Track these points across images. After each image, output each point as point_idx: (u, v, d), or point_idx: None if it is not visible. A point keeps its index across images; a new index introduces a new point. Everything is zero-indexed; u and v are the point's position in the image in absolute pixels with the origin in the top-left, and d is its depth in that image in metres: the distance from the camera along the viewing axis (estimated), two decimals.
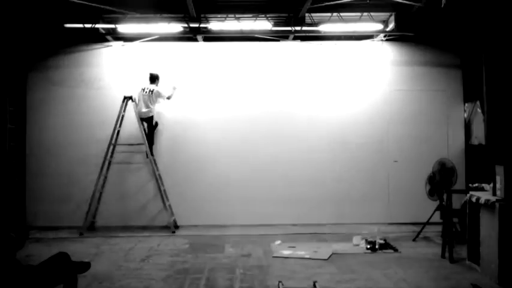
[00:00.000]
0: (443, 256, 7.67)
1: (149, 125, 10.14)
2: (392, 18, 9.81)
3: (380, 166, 10.55)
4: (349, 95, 10.64)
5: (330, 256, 7.80)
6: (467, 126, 10.59)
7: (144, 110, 9.99)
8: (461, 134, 10.66)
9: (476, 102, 10.11)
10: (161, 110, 10.43)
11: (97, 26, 9.61)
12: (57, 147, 10.38)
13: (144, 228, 10.14)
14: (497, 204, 6.41)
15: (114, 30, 9.85)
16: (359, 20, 9.88)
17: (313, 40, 10.68)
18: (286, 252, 8.05)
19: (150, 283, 6.55)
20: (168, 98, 10.14)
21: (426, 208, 9.16)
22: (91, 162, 10.26)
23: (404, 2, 9.11)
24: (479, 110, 10.00)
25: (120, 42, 10.61)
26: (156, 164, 10.09)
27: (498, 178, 6.58)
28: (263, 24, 9.85)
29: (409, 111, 10.64)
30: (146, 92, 10.03)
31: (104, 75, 10.57)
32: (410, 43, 10.71)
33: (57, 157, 10.36)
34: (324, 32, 10.06)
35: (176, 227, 10.00)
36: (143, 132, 9.94)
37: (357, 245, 8.43)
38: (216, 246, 8.62)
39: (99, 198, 10.09)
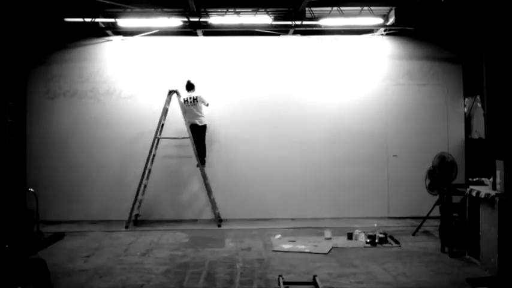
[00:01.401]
0: (443, 250, 7.68)
1: (201, 133, 10.03)
2: (393, 12, 9.77)
3: (379, 160, 10.55)
4: (349, 89, 10.61)
5: (330, 250, 7.82)
6: (468, 120, 10.59)
7: (195, 119, 9.96)
8: (461, 128, 10.65)
9: (477, 96, 10.11)
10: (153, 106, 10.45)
11: (97, 20, 9.58)
12: (58, 141, 10.39)
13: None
14: (497, 199, 6.41)
15: (114, 24, 9.82)
16: (359, 14, 9.85)
17: (313, 34, 10.66)
18: (286, 246, 8.07)
19: (150, 277, 6.57)
20: (207, 105, 10.07)
21: (426, 202, 9.18)
22: (91, 156, 10.34)
23: None
24: (479, 105, 9.99)
25: (120, 37, 10.59)
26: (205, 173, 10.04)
27: (498, 172, 6.58)
28: (263, 19, 9.83)
29: (409, 106, 10.63)
30: (189, 101, 10.00)
31: (104, 69, 10.55)
32: (410, 37, 10.69)
33: (57, 151, 10.37)
34: (324, 26, 10.04)
35: (220, 220, 10.02)
36: (193, 142, 9.86)
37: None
38: (216, 240, 8.64)
39: (144, 192, 10.01)
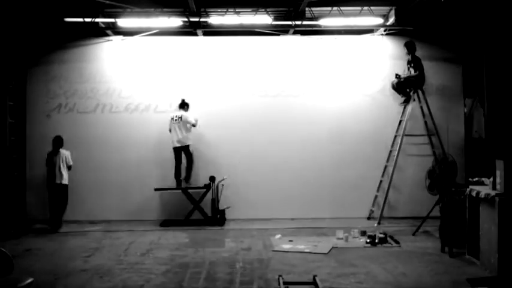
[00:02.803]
0: (443, 250, 7.67)
1: (186, 153, 10.08)
2: (393, 12, 9.78)
3: (379, 160, 10.53)
4: (349, 89, 10.60)
5: (330, 250, 7.82)
6: (468, 119, 10.57)
7: (178, 137, 9.92)
8: (461, 128, 10.65)
9: (477, 96, 10.10)
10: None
11: (97, 20, 9.58)
12: None
13: None
14: (497, 199, 6.41)
15: (114, 24, 9.83)
16: (359, 14, 9.85)
17: (313, 34, 10.66)
18: (286, 246, 8.07)
19: (150, 277, 6.56)
20: (194, 125, 10.02)
21: (426, 202, 9.17)
22: (90, 156, 10.34)
23: None
24: (479, 105, 9.99)
25: (120, 37, 10.59)
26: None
27: (498, 172, 6.58)
28: (263, 19, 9.83)
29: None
30: (175, 119, 9.96)
31: (104, 69, 10.56)
32: (410, 38, 10.66)
33: None
34: (324, 26, 10.05)
35: None
36: (439, 137, 9.93)
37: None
38: (216, 240, 8.63)
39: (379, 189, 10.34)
